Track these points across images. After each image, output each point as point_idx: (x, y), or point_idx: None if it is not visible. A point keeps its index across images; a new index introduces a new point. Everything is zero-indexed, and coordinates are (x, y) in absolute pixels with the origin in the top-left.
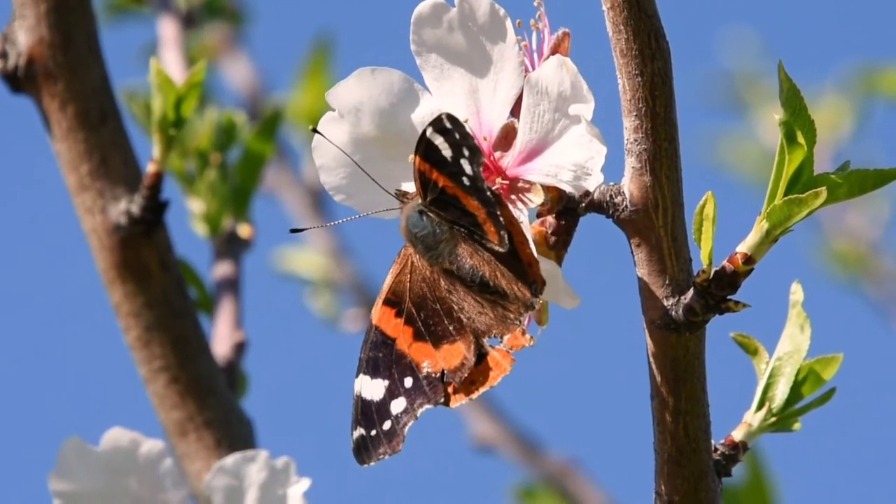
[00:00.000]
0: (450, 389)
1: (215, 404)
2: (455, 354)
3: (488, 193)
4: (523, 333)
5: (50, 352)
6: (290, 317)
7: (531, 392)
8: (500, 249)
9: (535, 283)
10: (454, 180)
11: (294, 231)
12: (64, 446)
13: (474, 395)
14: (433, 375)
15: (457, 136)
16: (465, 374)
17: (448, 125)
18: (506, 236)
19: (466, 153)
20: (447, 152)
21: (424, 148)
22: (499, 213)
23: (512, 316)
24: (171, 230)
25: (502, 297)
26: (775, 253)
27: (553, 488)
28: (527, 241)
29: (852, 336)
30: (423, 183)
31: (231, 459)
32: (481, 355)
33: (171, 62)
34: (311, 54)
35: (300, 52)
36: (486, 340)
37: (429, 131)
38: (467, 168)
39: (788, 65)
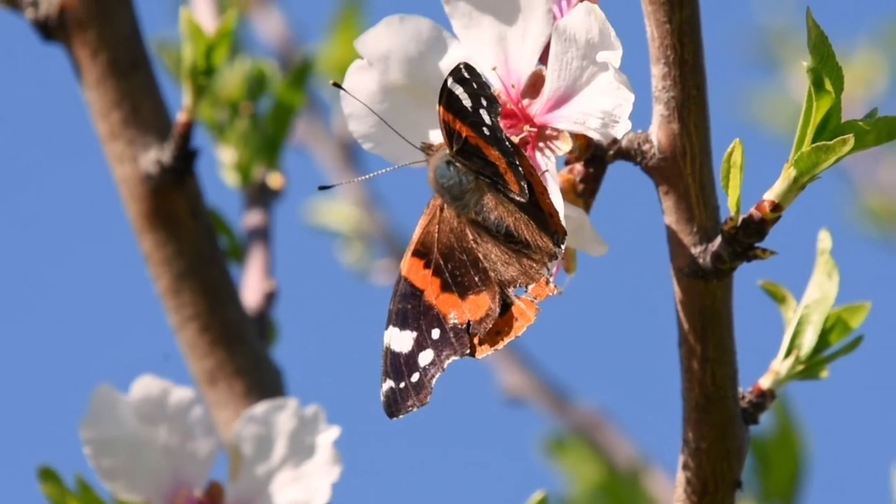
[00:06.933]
0: (475, 340)
1: (245, 353)
2: (480, 305)
3: (507, 143)
4: (548, 283)
5: (81, 301)
6: (320, 268)
7: (560, 342)
8: (521, 199)
9: (557, 234)
10: (475, 130)
11: (323, 188)
12: (94, 394)
13: (500, 346)
14: (459, 327)
15: (474, 85)
16: (490, 325)
17: (466, 74)
18: (526, 186)
19: (484, 103)
20: (467, 102)
21: (446, 98)
22: (518, 162)
23: (536, 266)
24: (201, 180)
25: (526, 248)
26: (807, 208)
27: (583, 439)
28: (547, 191)
29: (884, 289)
30: (448, 133)
31: (261, 408)
32: (506, 305)
33: (203, 13)
34: (343, 5)
35: (332, 4)
36: (511, 291)
37: (449, 81)
38: (486, 118)
39: (821, 19)
